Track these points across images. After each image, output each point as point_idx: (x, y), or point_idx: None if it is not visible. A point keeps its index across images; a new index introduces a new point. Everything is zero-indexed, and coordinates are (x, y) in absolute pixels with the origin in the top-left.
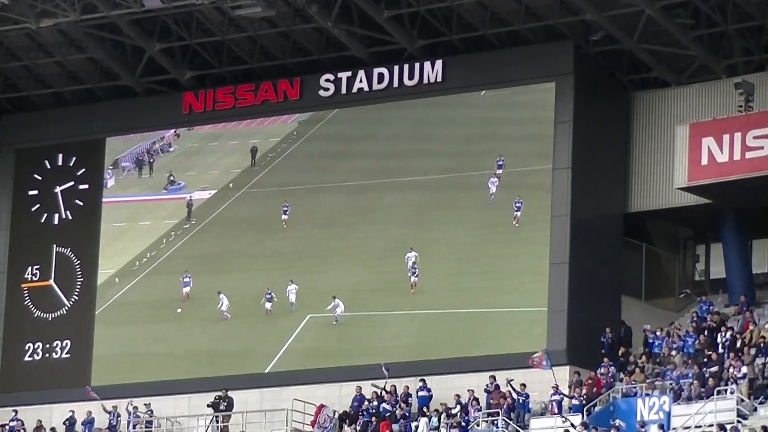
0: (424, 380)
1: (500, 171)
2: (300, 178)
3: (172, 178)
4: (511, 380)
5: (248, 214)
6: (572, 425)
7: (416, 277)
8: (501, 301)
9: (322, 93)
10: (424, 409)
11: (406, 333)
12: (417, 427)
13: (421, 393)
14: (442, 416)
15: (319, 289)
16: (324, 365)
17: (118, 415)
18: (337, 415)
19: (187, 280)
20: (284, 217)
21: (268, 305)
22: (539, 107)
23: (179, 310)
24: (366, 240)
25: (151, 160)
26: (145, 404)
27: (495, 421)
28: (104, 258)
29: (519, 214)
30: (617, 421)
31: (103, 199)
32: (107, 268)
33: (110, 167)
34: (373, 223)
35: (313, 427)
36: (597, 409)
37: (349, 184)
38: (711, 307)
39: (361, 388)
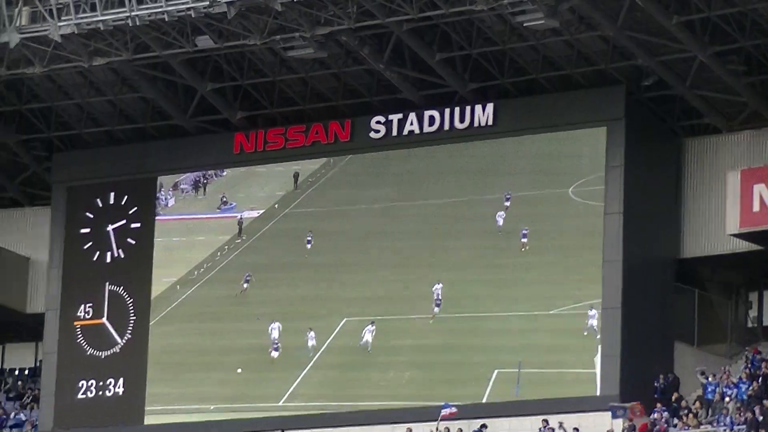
0: (485, 425)
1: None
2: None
3: (224, 199)
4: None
5: (291, 230)
6: None
7: (438, 307)
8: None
9: (372, 135)
10: None
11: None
12: None
13: None
14: None
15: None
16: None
17: None
18: None
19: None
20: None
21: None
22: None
23: (239, 371)
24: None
25: (206, 182)
26: None
27: None
28: (161, 268)
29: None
30: None
31: (162, 217)
32: (167, 276)
33: (171, 188)
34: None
35: None
36: None
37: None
38: (761, 359)
39: (411, 429)
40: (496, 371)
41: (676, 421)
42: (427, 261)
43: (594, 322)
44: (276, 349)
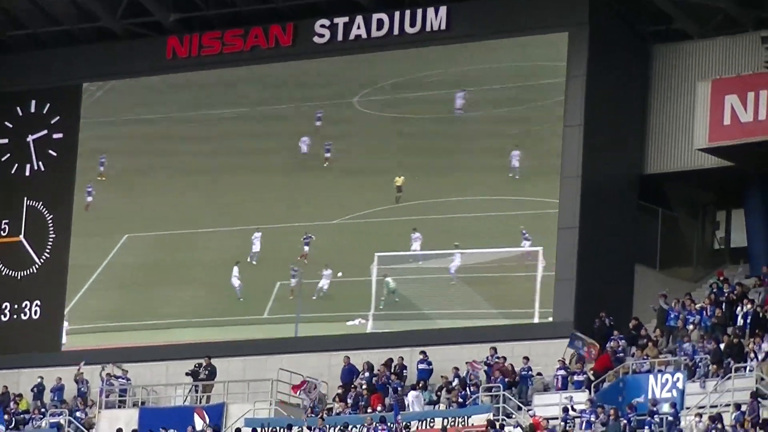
0: (425, 353)
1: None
2: None
3: None
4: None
5: None
6: (572, 407)
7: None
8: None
9: (317, 39)
10: (420, 383)
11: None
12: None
13: (421, 366)
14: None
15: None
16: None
17: (86, 381)
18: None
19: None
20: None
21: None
22: (551, 59)
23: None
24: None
25: None
26: (123, 370)
27: (496, 397)
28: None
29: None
30: (634, 400)
31: None
32: None
33: None
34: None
35: (294, 393)
36: (605, 385)
37: None
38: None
39: (349, 358)
40: None
41: (634, 350)
42: None
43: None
44: None
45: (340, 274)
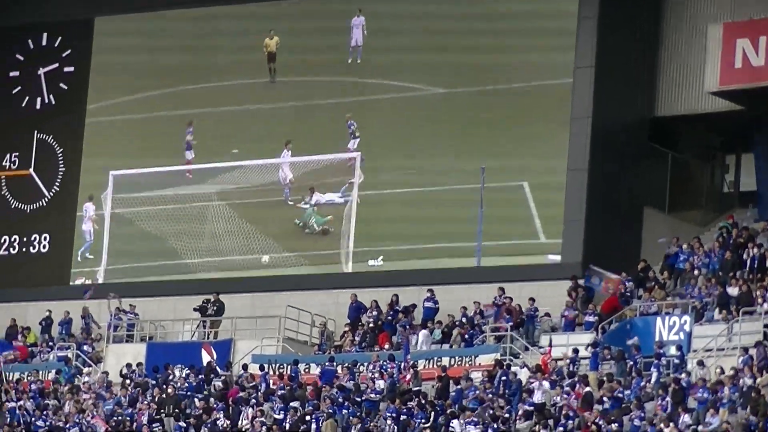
0: (432, 291)
1: None
2: None
3: None
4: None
5: None
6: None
7: None
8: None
9: None
10: (429, 322)
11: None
12: (417, 340)
13: (427, 304)
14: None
15: None
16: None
17: (90, 316)
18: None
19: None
20: None
21: None
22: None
23: None
24: None
25: None
26: (130, 305)
27: (502, 338)
28: None
29: None
30: (635, 338)
31: None
32: None
33: None
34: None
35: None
36: (612, 327)
37: None
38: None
39: (356, 296)
40: None
41: (641, 291)
42: None
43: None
44: None
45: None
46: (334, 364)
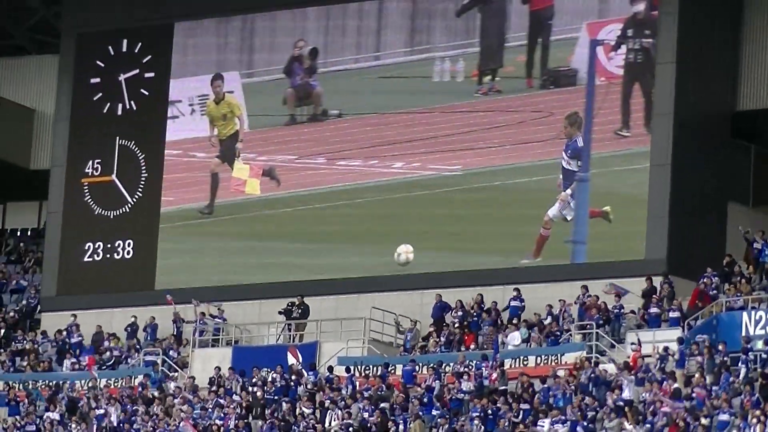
0: (518, 290)
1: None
2: None
3: None
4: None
5: None
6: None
7: None
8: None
9: None
10: (514, 320)
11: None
12: (508, 340)
13: (513, 303)
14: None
15: None
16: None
17: (183, 320)
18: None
19: None
20: None
21: None
22: None
23: None
24: None
25: None
26: (219, 309)
27: (588, 335)
28: None
29: None
30: (698, 336)
31: None
32: None
33: None
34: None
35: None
36: (698, 323)
37: None
38: None
39: (440, 296)
40: None
41: (727, 286)
42: None
43: None
44: None
45: None
46: (415, 364)
